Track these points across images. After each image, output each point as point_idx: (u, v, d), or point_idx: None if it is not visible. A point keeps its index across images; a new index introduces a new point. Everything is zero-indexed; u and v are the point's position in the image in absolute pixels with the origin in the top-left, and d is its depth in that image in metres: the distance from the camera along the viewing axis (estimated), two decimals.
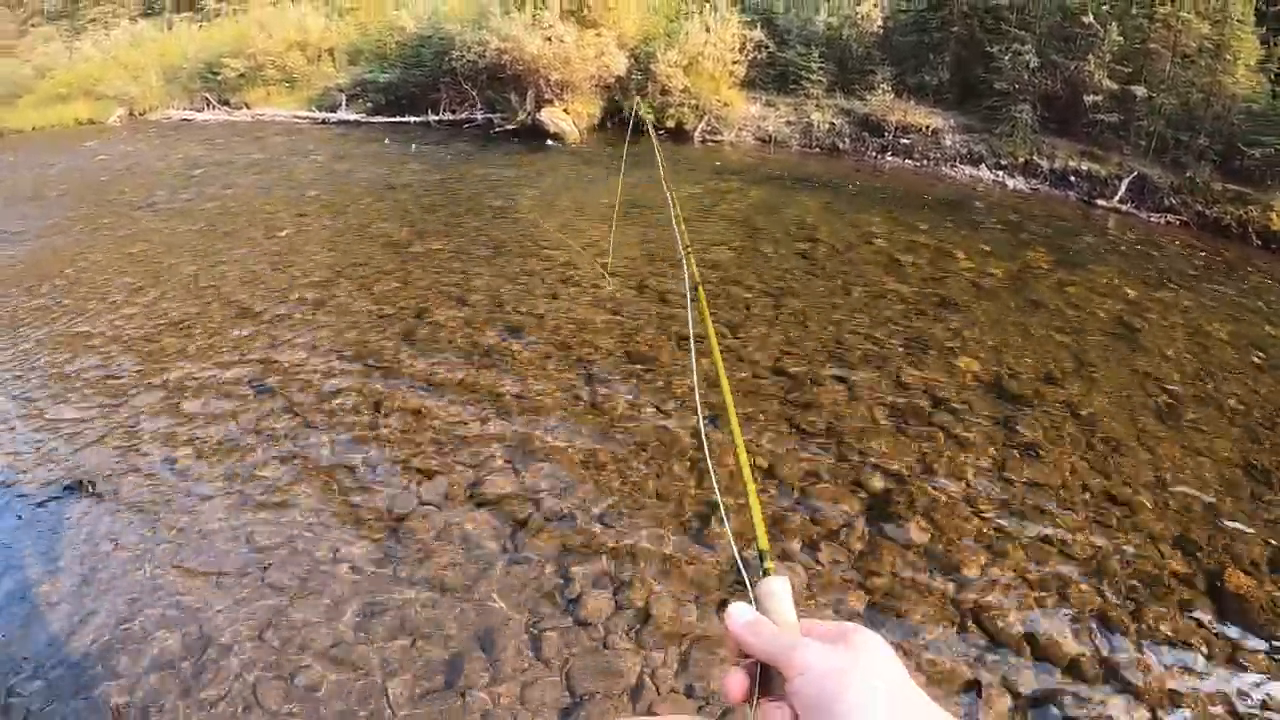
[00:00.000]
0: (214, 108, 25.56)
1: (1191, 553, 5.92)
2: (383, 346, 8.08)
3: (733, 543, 1.35)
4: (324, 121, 23.15)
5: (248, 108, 25.06)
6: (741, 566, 1.21)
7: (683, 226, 2.32)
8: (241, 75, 25.75)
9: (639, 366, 7.74)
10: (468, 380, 7.41)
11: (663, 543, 5.45)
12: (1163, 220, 17.84)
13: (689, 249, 2.19)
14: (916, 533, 5.72)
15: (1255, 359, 9.82)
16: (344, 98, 23.77)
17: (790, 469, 6.30)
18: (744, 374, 7.75)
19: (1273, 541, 6.17)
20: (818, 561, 5.38)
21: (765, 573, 1.03)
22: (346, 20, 27.21)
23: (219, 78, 26.10)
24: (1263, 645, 5.15)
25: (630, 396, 7.19)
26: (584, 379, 7.49)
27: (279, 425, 6.68)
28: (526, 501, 5.79)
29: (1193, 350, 9.72)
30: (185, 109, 25.92)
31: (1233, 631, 5.24)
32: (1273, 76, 21.07)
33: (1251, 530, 6.26)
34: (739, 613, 0.97)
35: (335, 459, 6.25)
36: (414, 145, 19.24)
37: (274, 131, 21.93)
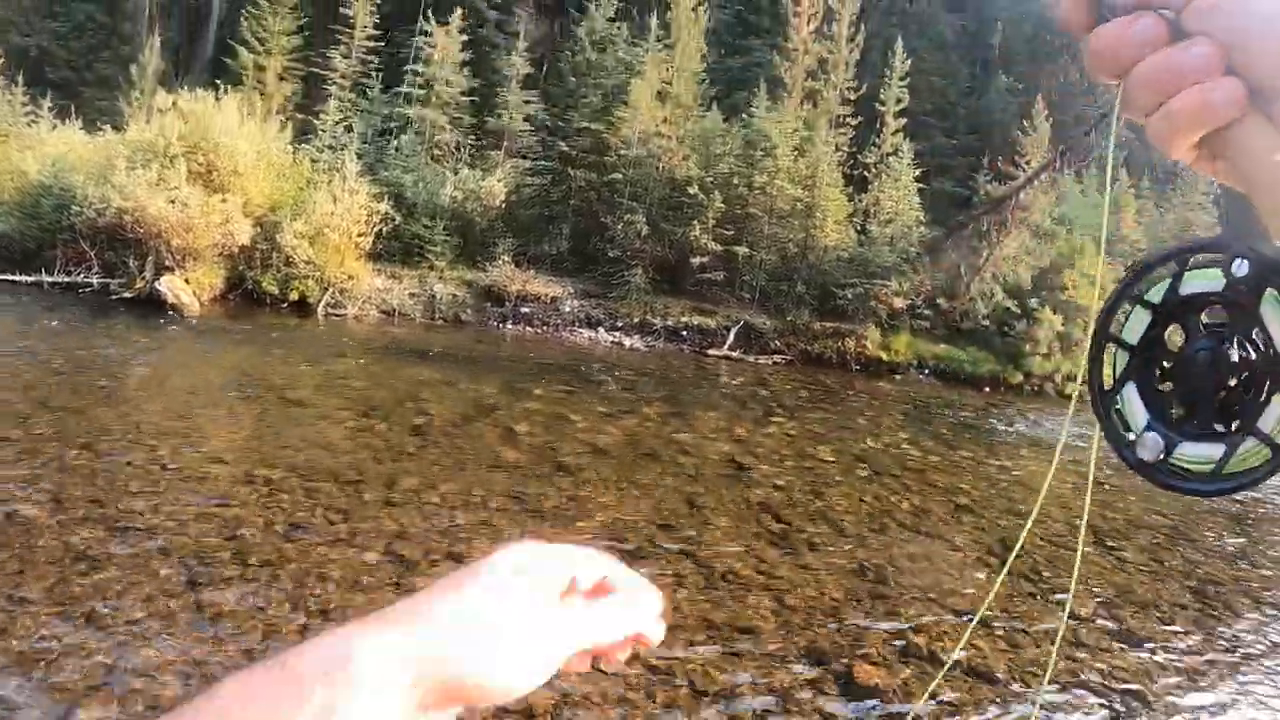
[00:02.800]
0: None
1: (819, 659, 6.05)
2: None
3: None
4: None
5: None
6: None
7: None
8: None
9: (250, 564, 6.96)
10: (58, 591, 6.28)
11: None
12: (770, 361, 19.48)
13: None
14: (541, 705, 5.38)
15: (860, 471, 10.63)
16: None
17: None
18: (356, 560, 7.19)
19: (891, 628, 6.51)
20: None
21: None
22: None
23: None
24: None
25: (239, 599, 6.40)
26: (187, 584, 6.60)
27: None
28: None
29: (801, 475, 10.35)
30: None
31: None
32: (859, 228, 24.09)
33: (872, 625, 6.61)
34: None
35: None
36: None
37: None
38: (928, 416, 14.57)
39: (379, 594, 6.67)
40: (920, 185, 26.15)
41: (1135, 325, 0.69)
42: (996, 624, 6.92)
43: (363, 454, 9.95)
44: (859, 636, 6.45)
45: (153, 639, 5.80)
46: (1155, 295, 0.67)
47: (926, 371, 20.85)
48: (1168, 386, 0.68)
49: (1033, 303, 22.63)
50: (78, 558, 6.86)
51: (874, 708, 5.56)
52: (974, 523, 9.37)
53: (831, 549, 8.15)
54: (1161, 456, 0.66)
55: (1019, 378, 21.88)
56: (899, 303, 21.09)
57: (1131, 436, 0.68)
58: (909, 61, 30.04)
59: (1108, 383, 0.71)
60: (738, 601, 6.91)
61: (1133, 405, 0.69)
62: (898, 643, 6.40)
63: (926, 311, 21.88)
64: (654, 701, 5.56)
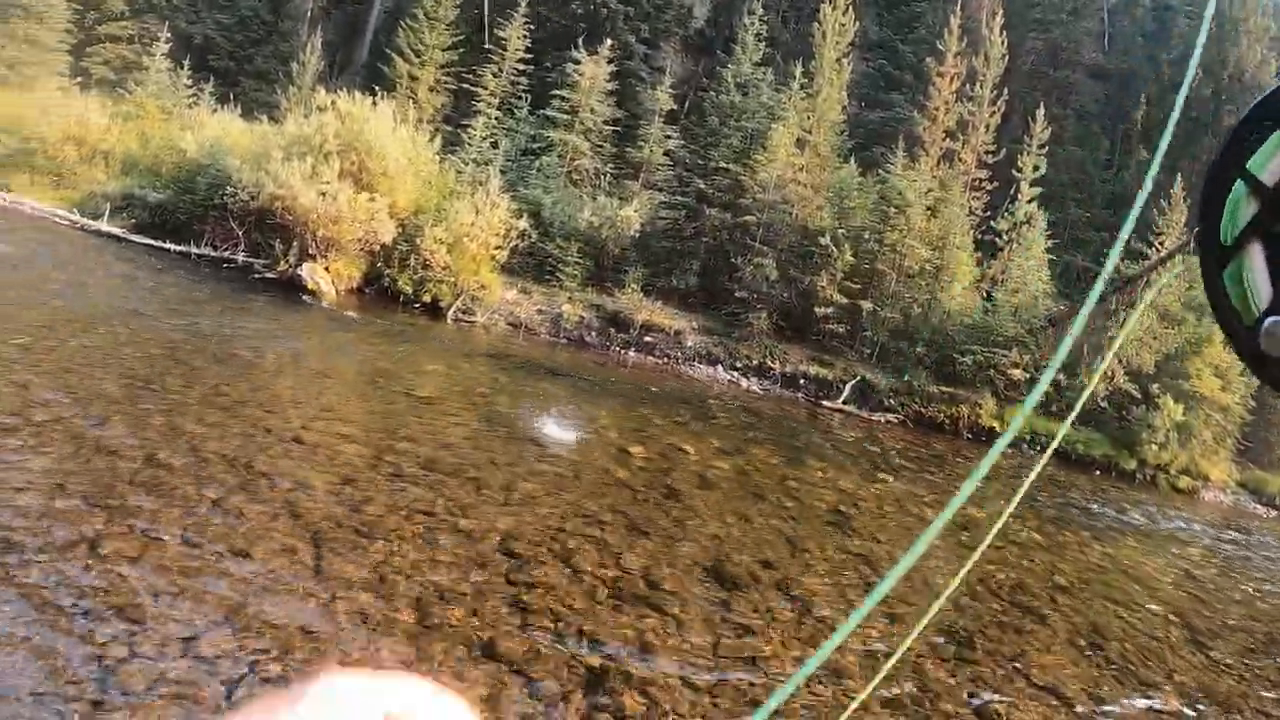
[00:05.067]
0: None
1: (899, 711, 6.26)
2: (108, 485, 7.41)
3: None
4: (82, 227, 21.70)
5: (7, 192, 23.20)
6: None
7: None
8: (9, 155, 24.11)
9: (371, 538, 7.47)
10: (191, 533, 6.89)
11: None
12: (883, 419, 19.43)
13: None
14: (631, 705, 5.70)
15: (961, 538, 10.62)
16: (108, 207, 22.47)
17: (511, 645, 6.18)
18: (470, 553, 7.63)
19: (973, 692, 6.66)
20: None
21: None
22: (129, 127, 26.07)
23: None
24: None
25: (357, 567, 6.90)
26: (311, 544, 7.14)
27: None
28: (239, 662, 5.38)
29: (903, 533, 10.47)
30: None
31: None
32: (985, 294, 23.89)
33: (955, 686, 6.77)
34: None
35: (44, 590, 5.70)
36: None
37: (28, 225, 20.44)
38: (1034, 494, 14.43)
39: (490, 582, 7.11)
40: (1051, 257, 25.76)
41: (1276, 161, 0.48)
42: (1079, 706, 6.97)
43: (482, 455, 10.47)
44: (941, 695, 6.58)
45: (273, 590, 6.35)
46: None
47: (1039, 448, 20.53)
48: None
49: (1154, 389, 22.08)
50: (212, 507, 7.48)
51: None
52: (1069, 604, 9.37)
53: (927, 602, 8.28)
54: None
55: (1132, 464, 21.35)
56: (1017, 374, 20.81)
57: (1253, 316, 0.50)
58: (1048, 130, 29.55)
59: (1226, 236, 0.53)
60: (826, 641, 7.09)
61: (1256, 274, 0.50)
62: (979, 708, 6.53)
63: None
64: None
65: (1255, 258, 0.49)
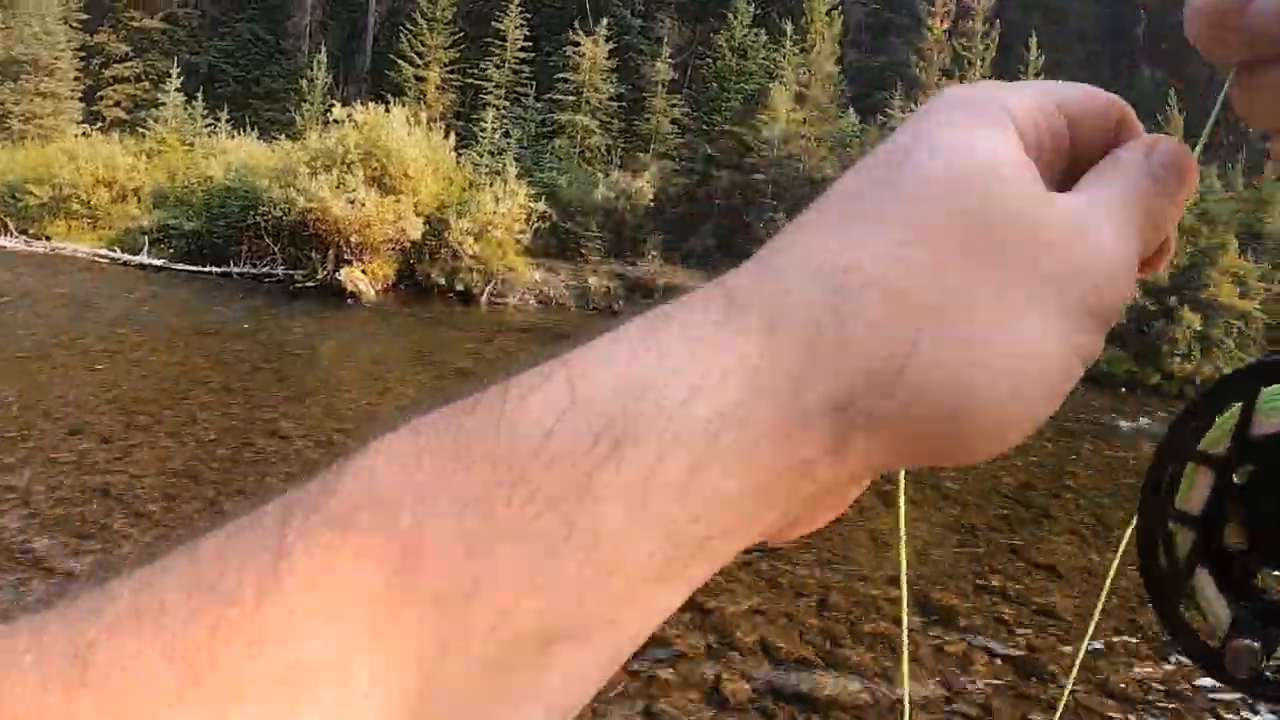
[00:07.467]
0: (11, 235, 24.84)
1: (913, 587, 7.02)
2: (211, 466, 8.70)
3: None
4: (124, 263, 22.99)
5: (47, 240, 24.51)
6: None
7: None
8: (44, 205, 25.31)
9: None
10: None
11: None
12: None
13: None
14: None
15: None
16: (146, 240, 23.70)
17: None
18: None
19: (977, 576, 7.41)
20: None
21: None
22: (155, 163, 27.33)
23: (20, 204, 25.53)
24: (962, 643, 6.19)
25: None
26: None
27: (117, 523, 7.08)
28: None
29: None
30: None
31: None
32: None
33: (957, 564, 7.49)
34: None
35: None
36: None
37: (75, 267, 21.76)
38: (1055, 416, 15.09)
39: None
40: None
41: (1197, 491, 0.46)
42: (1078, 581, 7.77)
43: None
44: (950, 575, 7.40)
45: None
46: (1217, 444, 0.44)
47: None
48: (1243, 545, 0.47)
49: (1172, 301, 22.36)
50: (304, 472, 8.60)
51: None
52: (1075, 500, 10.10)
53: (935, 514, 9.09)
54: (1262, 662, 0.44)
55: (1156, 378, 21.71)
56: None
57: (1214, 642, 0.45)
58: (1042, 58, 29.65)
59: (1170, 569, 0.49)
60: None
61: (1209, 597, 0.46)
62: (983, 585, 7.40)
63: None
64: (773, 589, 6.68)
65: (1205, 580, 0.46)
